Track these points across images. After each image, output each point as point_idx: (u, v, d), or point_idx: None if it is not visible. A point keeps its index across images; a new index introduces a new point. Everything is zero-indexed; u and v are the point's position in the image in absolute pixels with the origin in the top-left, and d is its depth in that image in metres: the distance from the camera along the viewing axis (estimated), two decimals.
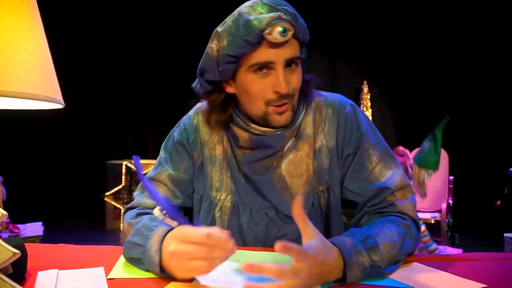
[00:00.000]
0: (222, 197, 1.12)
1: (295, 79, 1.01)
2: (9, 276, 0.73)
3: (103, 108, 5.66)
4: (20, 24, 0.68)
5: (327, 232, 1.10)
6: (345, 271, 0.82)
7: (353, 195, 1.08)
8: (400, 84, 5.70)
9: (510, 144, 4.34)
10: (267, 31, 0.93)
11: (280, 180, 1.08)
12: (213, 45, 1.01)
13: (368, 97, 5.73)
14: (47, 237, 3.00)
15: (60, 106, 0.77)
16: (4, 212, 0.67)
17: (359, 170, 1.08)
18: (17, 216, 3.06)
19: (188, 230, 0.81)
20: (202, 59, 1.05)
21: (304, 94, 1.10)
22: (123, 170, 5.20)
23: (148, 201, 1.10)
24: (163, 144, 1.21)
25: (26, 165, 5.28)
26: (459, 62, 5.36)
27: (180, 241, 0.80)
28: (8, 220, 2.85)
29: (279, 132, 1.05)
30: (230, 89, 1.07)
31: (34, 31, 0.71)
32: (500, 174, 4.30)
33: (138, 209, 1.09)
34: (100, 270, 0.91)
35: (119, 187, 5.22)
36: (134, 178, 5.26)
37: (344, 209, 1.12)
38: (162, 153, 1.19)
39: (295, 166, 1.08)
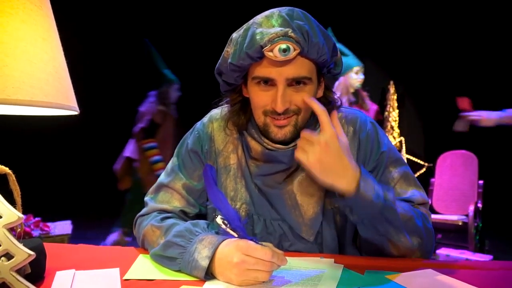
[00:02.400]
0: (237, 206, 1.11)
1: (301, 96, 0.96)
2: (27, 275, 0.76)
3: (125, 109, 5.78)
4: (35, 35, 0.71)
5: (341, 249, 1.11)
6: (360, 182, 0.88)
7: None
8: (427, 84, 5.60)
9: None
10: (267, 47, 0.90)
11: (290, 197, 1.07)
12: (227, 49, 1.01)
13: (395, 97, 5.63)
14: (75, 235, 3.10)
15: (75, 113, 0.80)
16: (21, 215, 0.70)
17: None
18: (47, 215, 3.17)
19: (253, 246, 0.85)
20: (219, 61, 1.05)
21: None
22: None
23: (166, 206, 1.12)
24: (176, 149, 1.21)
25: (56, 167, 5.44)
26: (489, 63, 5.21)
27: (246, 254, 0.84)
28: (39, 219, 2.95)
29: (291, 149, 1.03)
30: (246, 93, 1.07)
31: (49, 41, 0.74)
32: None
33: (158, 213, 1.11)
34: (116, 271, 0.93)
35: None
36: None
37: None
38: (175, 159, 1.19)
39: (308, 184, 1.06)
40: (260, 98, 0.99)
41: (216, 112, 1.19)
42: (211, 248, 0.89)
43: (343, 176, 0.88)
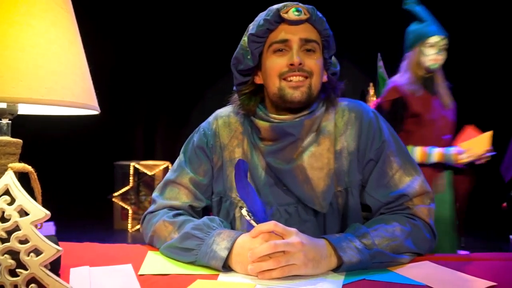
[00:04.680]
0: (239, 207, 1.15)
1: (312, 61, 1.08)
2: None
3: (112, 109, 5.73)
4: (63, 37, 0.73)
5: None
6: (339, 253, 0.92)
7: (372, 200, 1.12)
8: None
9: None
10: (283, 10, 1.06)
11: (301, 172, 1.11)
12: (245, 38, 1.13)
13: (374, 99, 5.76)
14: (58, 237, 3.06)
15: (96, 112, 0.82)
16: (48, 212, 0.72)
17: (381, 176, 1.12)
18: None
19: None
20: (236, 50, 1.15)
21: (327, 93, 1.17)
22: (131, 171, 5.26)
23: (174, 203, 1.16)
24: (182, 148, 1.26)
25: (35, 166, 5.33)
26: (465, 66, 5.38)
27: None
28: None
29: (297, 119, 1.10)
30: (258, 80, 1.16)
31: (75, 43, 0.76)
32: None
33: (169, 210, 1.15)
34: (129, 267, 0.96)
35: (127, 188, 5.28)
36: (142, 179, 5.32)
37: (363, 212, 1.16)
38: (181, 156, 1.24)
39: (316, 159, 1.12)
40: (277, 63, 1.09)
41: (221, 111, 1.26)
42: (230, 240, 0.94)
43: (328, 263, 0.93)
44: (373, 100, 5.71)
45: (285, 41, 1.08)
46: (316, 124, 1.13)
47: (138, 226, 5.23)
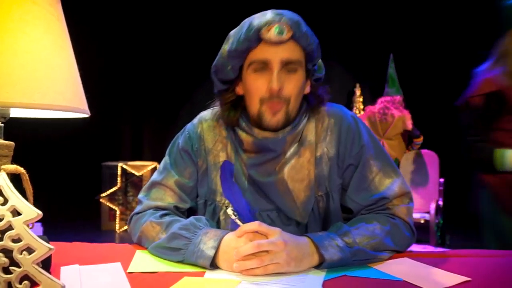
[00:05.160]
0: (226, 202, 1.17)
1: (292, 84, 1.07)
2: None
3: (99, 109, 5.71)
4: (54, 43, 0.76)
5: None
6: (320, 251, 0.95)
7: (354, 204, 1.16)
8: None
9: None
10: (264, 29, 1.01)
11: (282, 184, 1.14)
12: (225, 46, 1.10)
13: (361, 99, 5.84)
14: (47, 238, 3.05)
15: (86, 115, 0.85)
16: (40, 212, 0.75)
17: (361, 180, 1.15)
18: None
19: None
20: (216, 58, 1.13)
21: (311, 105, 1.18)
22: (119, 172, 5.25)
23: (160, 203, 1.18)
24: (168, 150, 1.27)
25: (22, 167, 5.29)
26: (449, 66, 5.47)
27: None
28: None
29: (280, 137, 1.11)
30: (239, 90, 1.15)
31: (65, 48, 0.79)
32: None
33: (155, 210, 1.17)
34: (118, 265, 0.99)
35: (115, 188, 5.27)
36: (129, 179, 5.32)
37: (343, 214, 1.20)
38: (167, 158, 1.25)
39: (297, 171, 1.15)
40: (257, 84, 1.07)
41: (205, 114, 1.26)
42: (216, 239, 0.98)
43: (311, 261, 0.96)
44: (359, 100, 5.79)
45: (265, 62, 1.05)
46: (299, 136, 1.16)
47: (126, 227, 5.23)
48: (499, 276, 0.93)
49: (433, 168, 4.28)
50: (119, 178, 5.26)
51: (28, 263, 0.71)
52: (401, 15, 5.61)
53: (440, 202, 4.10)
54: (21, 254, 0.71)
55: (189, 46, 5.72)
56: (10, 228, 0.72)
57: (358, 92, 5.84)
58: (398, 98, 4.24)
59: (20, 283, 0.71)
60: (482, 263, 1.03)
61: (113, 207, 5.27)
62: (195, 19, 5.70)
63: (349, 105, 5.90)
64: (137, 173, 5.25)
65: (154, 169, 5.29)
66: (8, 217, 0.72)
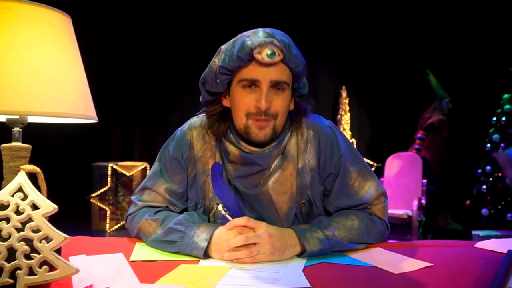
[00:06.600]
0: (215, 205, 1.24)
1: (279, 102, 1.12)
2: None
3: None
4: (68, 59, 0.87)
5: None
6: (302, 242, 1.08)
7: (334, 208, 1.26)
8: (377, 89, 5.92)
9: (478, 148, 4.62)
10: (256, 50, 1.05)
11: (266, 197, 1.21)
12: (215, 60, 1.15)
13: (347, 101, 5.96)
14: None
15: (94, 121, 0.96)
16: (56, 206, 0.85)
17: (342, 187, 1.24)
18: None
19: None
20: (205, 70, 1.17)
21: (295, 120, 1.23)
22: (109, 172, 5.30)
23: (152, 203, 1.27)
24: (158, 156, 1.33)
25: None
26: (434, 68, 5.61)
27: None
28: None
29: (266, 152, 1.17)
30: (226, 103, 1.19)
31: (77, 62, 0.90)
32: (469, 176, 4.61)
33: (149, 208, 1.26)
34: (120, 255, 1.10)
35: (105, 188, 5.31)
36: (120, 179, 5.38)
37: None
38: (157, 164, 1.31)
39: (281, 184, 1.21)
40: (245, 100, 1.11)
41: (195, 121, 1.31)
42: (208, 232, 1.09)
43: (292, 251, 1.08)
44: (345, 102, 5.92)
45: (255, 81, 1.09)
46: (283, 149, 1.22)
47: (116, 227, 5.29)
48: (457, 262, 1.05)
49: (416, 170, 4.49)
50: (109, 178, 5.31)
51: (47, 250, 0.82)
52: (389, 17, 5.71)
53: (423, 201, 4.28)
54: (40, 242, 0.82)
55: (179, 49, 5.80)
56: (30, 220, 0.83)
57: (344, 94, 5.96)
58: None
59: (40, 268, 0.81)
60: (444, 252, 1.16)
61: (104, 207, 5.32)
62: (185, 22, 5.77)
63: (335, 106, 6.03)
64: (127, 173, 5.30)
65: (145, 169, 5.36)
66: (28, 210, 0.83)
